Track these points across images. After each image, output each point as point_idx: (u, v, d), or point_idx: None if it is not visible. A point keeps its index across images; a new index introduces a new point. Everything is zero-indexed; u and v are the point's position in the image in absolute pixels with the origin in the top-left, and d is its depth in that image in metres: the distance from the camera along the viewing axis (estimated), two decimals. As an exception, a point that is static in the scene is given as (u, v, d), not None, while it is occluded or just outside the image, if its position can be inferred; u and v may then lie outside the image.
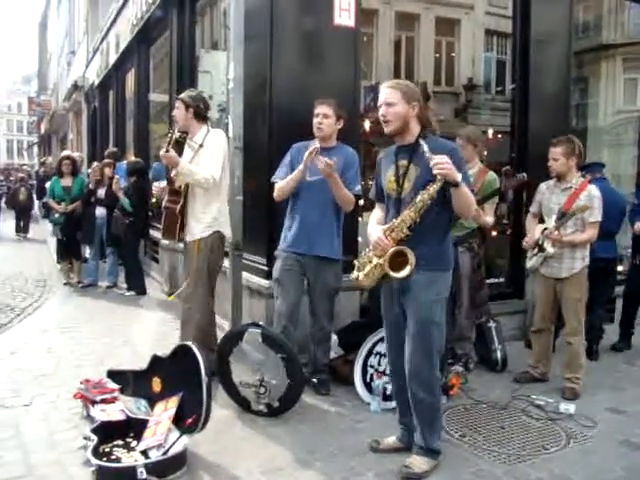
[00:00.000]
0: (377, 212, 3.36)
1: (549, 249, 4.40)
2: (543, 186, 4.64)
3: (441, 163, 2.84)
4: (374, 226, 3.24)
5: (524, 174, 4.69)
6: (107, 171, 8.28)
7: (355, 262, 3.27)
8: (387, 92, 3.10)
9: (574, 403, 4.14)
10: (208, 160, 4.25)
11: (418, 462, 3.14)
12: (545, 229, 4.48)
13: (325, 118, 4.11)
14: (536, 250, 4.53)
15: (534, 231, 4.62)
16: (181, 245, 4.70)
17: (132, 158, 9.76)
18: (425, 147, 2.94)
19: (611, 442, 3.63)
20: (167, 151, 4.15)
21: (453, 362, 4.65)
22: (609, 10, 8.14)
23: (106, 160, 8.77)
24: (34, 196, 16.54)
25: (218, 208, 4.36)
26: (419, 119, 3.12)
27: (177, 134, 4.30)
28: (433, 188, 2.93)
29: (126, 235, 7.59)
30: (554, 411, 4.06)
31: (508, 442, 3.58)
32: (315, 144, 4.09)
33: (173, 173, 4.31)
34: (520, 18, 6.09)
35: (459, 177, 2.89)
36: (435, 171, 2.86)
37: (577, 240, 4.35)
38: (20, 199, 15.33)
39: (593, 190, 4.39)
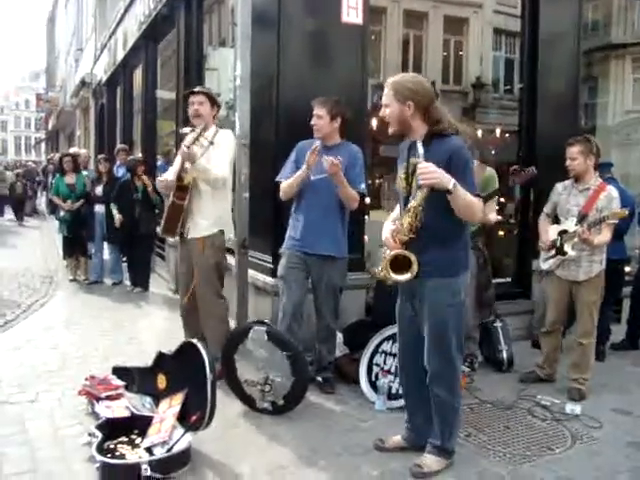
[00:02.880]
0: (397, 208, 3.28)
1: (570, 252, 4.32)
2: (559, 186, 4.55)
3: (424, 173, 2.78)
4: (387, 224, 3.17)
5: (533, 168, 4.59)
6: (101, 167, 8.35)
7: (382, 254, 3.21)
8: (385, 91, 3.04)
9: (580, 404, 4.13)
10: (219, 159, 4.23)
11: (429, 461, 3.13)
12: (564, 231, 4.39)
13: (318, 119, 4.11)
14: (553, 252, 4.47)
15: (548, 232, 4.55)
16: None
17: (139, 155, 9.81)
18: (420, 150, 2.86)
19: (617, 443, 3.61)
20: (188, 147, 4.10)
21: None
22: (618, 9, 8.10)
23: (100, 156, 8.85)
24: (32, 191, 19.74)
25: (224, 207, 4.38)
26: (424, 117, 2.99)
27: (199, 132, 4.17)
28: (420, 196, 2.87)
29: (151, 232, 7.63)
30: (560, 411, 4.04)
31: (513, 442, 3.57)
32: (317, 143, 4.11)
33: (184, 169, 4.23)
34: (529, 17, 6.07)
35: (450, 183, 2.79)
36: (420, 181, 2.82)
37: (597, 241, 4.22)
38: (17, 192, 17.64)
39: (613, 191, 4.32)
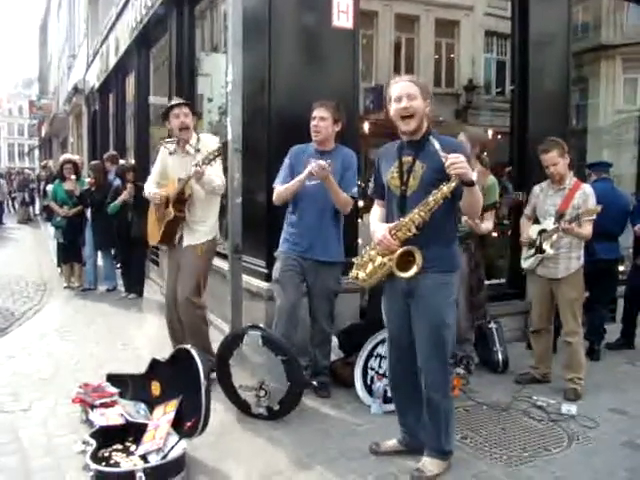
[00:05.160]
0: (377, 209, 3.28)
1: (549, 250, 4.40)
2: (537, 189, 4.67)
3: (457, 162, 2.75)
4: (377, 224, 3.15)
5: (519, 194, 4.70)
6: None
7: (354, 260, 3.22)
8: (408, 85, 3.01)
9: (576, 404, 4.13)
10: (214, 167, 4.25)
11: (430, 465, 3.12)
12: (543, 230, 4.47)
13: (322, 121, 4.10)
14: (533, 251, 4.54)
15: (529, 232, 4.63)
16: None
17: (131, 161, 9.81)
18: (437, 145, 2.85)
19: (614, 443, 3.61)
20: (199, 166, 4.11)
21: (454, 364, 4.63)
22: (608, 10, 8.13)
23: (92, 162, 8.91)
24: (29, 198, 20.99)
25: (215, 213, 4.49)
26: (427, 117, 3.07)
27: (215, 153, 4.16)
28: (447, 187, 2.84)
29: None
30: (556, 412, 4.04)
31: (509, 444, 3.57)
32: (313, 147, 4.13)
33: (188, 183, 4.27)
34: (519, 19, 6.08)
35: (474, 176, 2.82)
36: (452, 171, 2.77)
37: (585, 232, 4.31)
38: None
39: (587, 189, 4.42)
